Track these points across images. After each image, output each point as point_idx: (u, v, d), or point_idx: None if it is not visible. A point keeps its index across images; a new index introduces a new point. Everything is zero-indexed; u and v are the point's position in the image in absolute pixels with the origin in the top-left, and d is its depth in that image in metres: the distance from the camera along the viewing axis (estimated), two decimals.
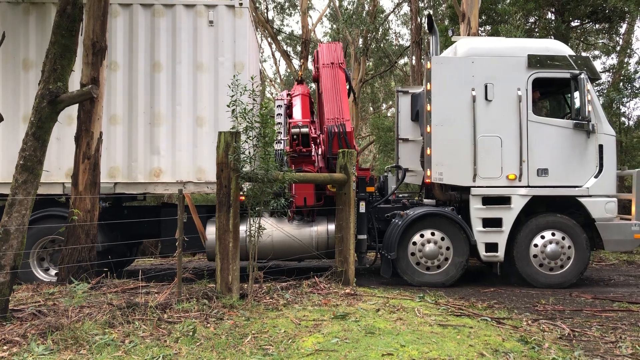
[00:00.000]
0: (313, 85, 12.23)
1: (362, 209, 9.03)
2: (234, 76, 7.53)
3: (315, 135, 9.82)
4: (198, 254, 12.23)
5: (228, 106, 6.93)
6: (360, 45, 23.03)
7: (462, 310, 6.62)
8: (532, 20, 16.94)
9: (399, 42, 24.67)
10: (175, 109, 9.07)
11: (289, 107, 10.58)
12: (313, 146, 9.54)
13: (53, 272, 8.83)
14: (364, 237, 9.02)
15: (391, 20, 25.62)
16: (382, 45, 23.79)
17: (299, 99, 10.55)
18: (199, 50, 9.13)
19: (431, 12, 22.82)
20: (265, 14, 24.39)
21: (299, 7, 23.99)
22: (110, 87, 9.01)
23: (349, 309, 6.30)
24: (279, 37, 25.38)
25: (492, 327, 5.91)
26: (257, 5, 23.41)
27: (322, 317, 5.93)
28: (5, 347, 4.80)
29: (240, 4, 9.16)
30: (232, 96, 6.78)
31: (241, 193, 6.87)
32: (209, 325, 5.58)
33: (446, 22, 20.32)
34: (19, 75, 8.94)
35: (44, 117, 5.94)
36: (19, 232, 5.75)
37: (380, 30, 23.30)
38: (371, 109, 30.31)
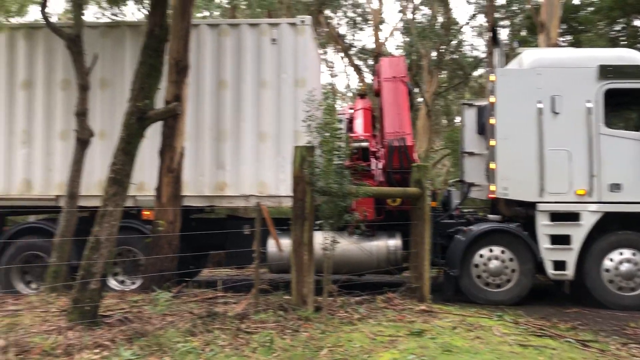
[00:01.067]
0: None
1: None
2: (309, 92, 7.65)
3: (375, 149, 9.81)
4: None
5: (304, 121, 7.05)
6: (434, 58, 22.82)
7: (543, 330, 6.39)
8: (617, 28, 16.19)
9: (473, 53, 24.25)
10: (239, 125, 9.33)
11: (351, 121, 10.64)
12: (373, 160, 9.53)
13: (127, 281, 9.16)
14: None
15: (465, 32, 25.21)
16: (456, 57, 23.47)
17: (360, 113, 10.60)
18: (262, 68, 9.34)
19: (507, 23, 22.31)
20: (337, 30, 24.66)
21: (371, 22, 24.11)
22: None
23: (424, 326, 6.23)
24: (351, 52, 25.57)
25: (577, 349, 5.66)
26: (330, 20, 23.73)
27: (398, 333, 5.89)
28: (96, 351, 5.10)
29: (302, 22, 9.33)
30: (308, 111, 6.90)
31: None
32: (285, 336, 5.68)
33: (524, 33, 19.78)
34: (96, 93, 9.34)
35: (132, 132, 6.29)
36: (109, 241, 6.10)
37: (454, 42, 23.01)
38: (444, 121, 29.89)
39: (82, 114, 8.50)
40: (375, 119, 10.93)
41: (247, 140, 9.26)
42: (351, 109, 11.06)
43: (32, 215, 10.66)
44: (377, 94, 10.80)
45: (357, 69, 25.33)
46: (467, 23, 24.32)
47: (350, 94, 29.63)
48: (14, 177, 9.48)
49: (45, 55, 9.59)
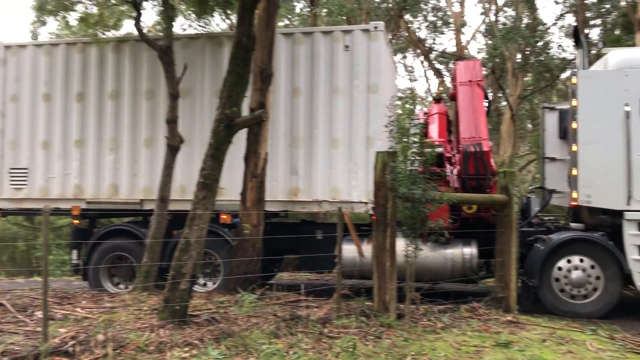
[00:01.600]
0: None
1: None
2: (392, 97, 7.62)
3: (450, 155, 9.57)
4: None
5: (385, 126, 7.03)
6: (518, 60, 22.05)
7: None
8: None
9: (561, 55, 23.19)
10: (312, 132, 9.41)
11: (426, 126, 10.47)
12: (448, 166, 9.31)
13: (202, 281, 9.43)
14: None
15: (553, 32, 24.17)
16: (542, 58, 22.55)
17: (435, 117, 10.41)
18: (334, 75, 9.37)
19: (598, 22, 21.20)
20: (417, 34, 24.39)
21: (452, 25, 23.66)
22: None
23: (511, 337, 6.03)
24: (431, 56, 25.21)
25: None
26: (410, 25, 23.51)
27: (483, 344, 5.73)
28: (186, 349, 5.30)
29: (376, 28, 9.28)
30: (390, 116, 6.88)
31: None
32: (368, 343, 5.67)
33: (617, 32, 18.72)
34: (213, 102, 9.66)
35: (220, 139, 6.52)
36: (198, 243, 6.34)
37: (541, 43, 22.12)
38: (530, 126, 28.78)
39: (172, 122, 8.90)
40: (450, 124, 10.73)
41: (320, 146, 9.34)
42: (425, 113, 10.92)
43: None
44: (453, 98, 10.61)
45: (438, 73, 24.94)
46: (555, 23, 23.32)
47: (430, 99, 29.21)
48: (103, 182, 10.05)
49: (131, 67, 10.12)
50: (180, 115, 9.71)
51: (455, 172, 9.44)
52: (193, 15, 15.23)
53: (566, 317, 7.89)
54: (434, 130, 10.21)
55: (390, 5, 19.95)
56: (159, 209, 8.85)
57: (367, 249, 8.88)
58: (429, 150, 7.01)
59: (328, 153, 9.31)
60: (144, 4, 9.79)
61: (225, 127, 6.51)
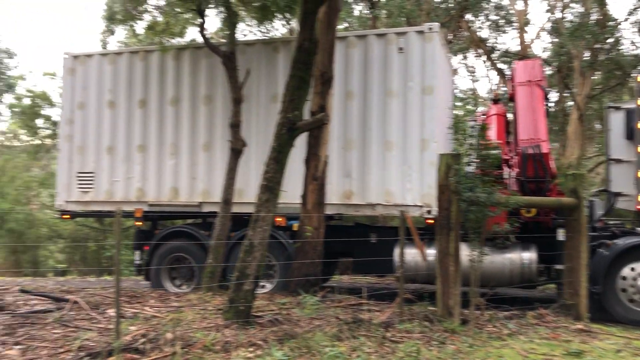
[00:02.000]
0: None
1: (561, 236, 8.19)
2: (455, 98, 7.47)
3: (508, 157, 9.30)
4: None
5: (450, 128, 6.92)
6: (586, 58, 21.17)
7: None
8: None
9: (633, 52, 22.10)
10: (365, 134, 9.37)
11: (483, 128, 10.20)
12: (506, 168, 9.04)
13: (267, 284, 9.50)
14: (562, 267, 8.19)
15: (624, 28, 23.03)
16: (612, 56, 21.57)
17: (493, 119, 10.14)
18: (388, 77, 9.30)
19: None
20: (479, 33, 23.86)
21: (515, 23, 23.00)
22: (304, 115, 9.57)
23: (583, 347, 5.81)
24: (493, 55, 24.58)
25: None
26: (471, 25, 23.03)
27: (553, 352, 5.55)
28: (251, 349, 5.39)
29: (430, 29, 9.16)
30: (454, 118, 6.76)
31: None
32: (431, 348, 5.59)
33: None
34: (269, 107, 9.84)
35: (283, 142, 6.59)
36: (261, 245, 6.44)
37: (611, 40, 21.17)
38: (598, 126, 27.59)
39: (236, 126, 9.09)
40: (509, 126, 10.45)
41: (373, 149, 9.30)
42: (483, 115, 10.67)
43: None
44: (511, 99, 10.33)
45: (501, 73, 24.30)
46: (627, 19, 22.26)
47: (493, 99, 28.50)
48: (164, 185, 10.38)
49: (190, 74, 10.43)
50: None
51: (513, 174, 9.21)
52: (253, 21, 15.52)
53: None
54: (491, 132, 10.00)
55: (451, 5, 19.61)
56: (222, 211, 9.04)
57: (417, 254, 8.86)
58: (494, 152, 6.84)
59: (382, 156, 9.27)
60: (208, 11, 10.06)
61: (287, 130, 6.58)
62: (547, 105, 9.76)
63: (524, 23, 22.34)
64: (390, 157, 9.21)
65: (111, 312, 7.04)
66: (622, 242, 8.00)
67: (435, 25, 9.29)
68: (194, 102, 10.34)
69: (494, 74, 27.40)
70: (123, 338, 5.37)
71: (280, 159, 6.60)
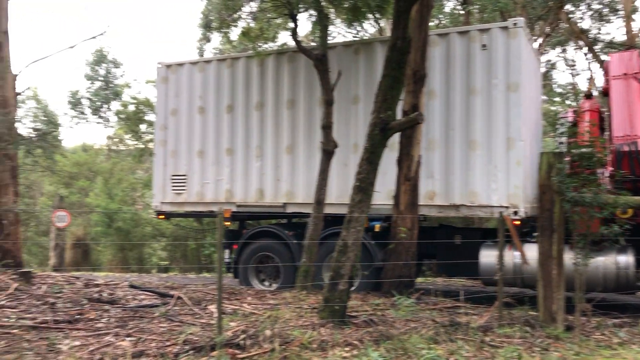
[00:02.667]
0: None
1: None
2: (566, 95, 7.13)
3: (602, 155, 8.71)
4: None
5: (548, 123, 6.60)
6: None
7: None
8: None
9: None
10: (448, 134, 9.20)
11: (575, 124, 9.62)
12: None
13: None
14: None
15: None
16: None
17: (586, 115, 9.51)
18: (471, 75, 9.13)
19: None
20: (580, 25, 22.58)
21: (620, 12, 21.55)
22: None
23: None
24: (596, 47, 23.17)
25: None
26: (571, 16, 21.85)
27: None
28: (347, 349, 5.42)
29: (515, 24, 8.88)
30: (558, 114, 6.45)
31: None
32: (534, 354, 5.38)
33: None
34: (349, 109, 9.99)
35: (375, 143, 6.58)
36: (355, 245, 6.46)
37: None
38: None
39: (327, 127, 9.18)
40: (603, 122, 9.81)
41: (457, 148, 9.13)
42: (575, 111, 10.10)
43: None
44: (605, 93, 9.70)
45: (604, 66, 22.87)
46: None
47: (595, 93, 26.90)
48: (250, 187, 10.78)
49: (273, 79, 10.75)
50: (319, 122, 10.11)
51: (607, 173, 8.67)
52: (342, 23, 15.60)
53: None
54: (585, 129, 9.46)
55: None
56: (315, 211, 9.16)
57: (510, 256, 8.65)
58: (593, 150, 6.47)
59: (465, 155, 9.11)
60: (299, 15, 10.24)
61: (380, 130, 6.55)
62: None
63: (630, 11, 20.86)
64: (475, 156, 9.05)
65: (212, 308, 7.35)
66: None
67: (521, 20, 9.05)
68: (277, 106, 10.65)
69: (596, 67, 25.80)
70: (225, 333, 5.58)
71: (373, 159, 6.59)
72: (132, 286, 8.83)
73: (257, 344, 5.37)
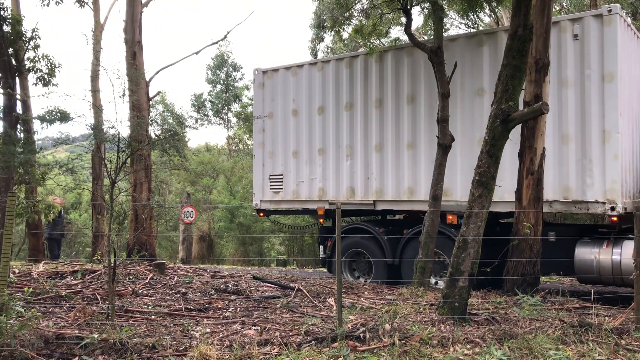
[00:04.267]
0: None
1: None
2: None
3: None
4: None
5: None
6: None
7: None
8: None
9: None
10: None
11: None
12: None
13: (433, 280, 9.52)
14: None
15: None
16: None
17: None
18: (562, 66, 8.73)
19: None
20: None
21: None
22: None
23: None
24: None
25: None
26: None
27: None
28: (468, 346, 5.31)
29: (610, 11, 8.31)
30: None
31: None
32: None
33: None
34: (474, 102, 9.71)
35: (497, 135, 6.36)
36: (475, 241, 6.30)
37: None
38: None
39: (444, 121, 9.00)
40: None
41: (548, 142, 8.68)
42: None
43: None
44: None
45: None
46: None
47: None
48: (342, 185, 11.05)
49: (362, 80, 10.90)
50: (408, 117, 10.22)
51: None
52: (455, 14, 15.19)
53: None
54: None
55: None
56: (431, 207, 9.03)
57: (608, 252, 8.34)
58: None
59: (557, 149, 8.76)
60: (413, 9, 10.14)
61: (501, 122, 6.32)
62: None
63: None
64: (567, 150, 8.68)
65: (331, 300, 7.52)
66: None
67: (616, 6, 8.42)
68: (366, 106, 10.85)
69: None
70: (345, 326, 5.69)
71: (493, 152, 6.38)
72: (255, 278, 9.26)
73: (377, 337, 5.42)
